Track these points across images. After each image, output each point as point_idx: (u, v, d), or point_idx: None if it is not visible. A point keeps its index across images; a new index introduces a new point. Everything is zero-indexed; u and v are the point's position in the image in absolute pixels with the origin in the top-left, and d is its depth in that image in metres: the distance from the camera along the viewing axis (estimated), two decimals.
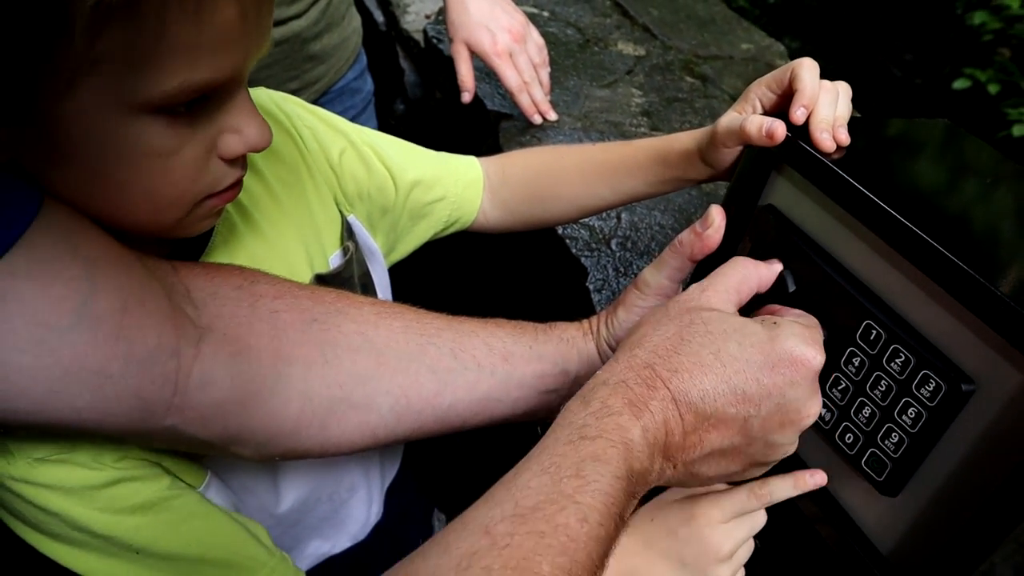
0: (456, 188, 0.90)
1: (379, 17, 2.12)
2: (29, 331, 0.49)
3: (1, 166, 0.52)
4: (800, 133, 0.67)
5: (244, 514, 0.74)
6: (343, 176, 0.82)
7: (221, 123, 0.57)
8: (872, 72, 5.89)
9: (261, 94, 0.80)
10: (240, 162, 0.61)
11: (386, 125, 1.87)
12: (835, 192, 0.63)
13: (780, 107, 0.75)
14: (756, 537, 0.70)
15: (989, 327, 0.52)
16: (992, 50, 4.28)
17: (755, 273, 0.65)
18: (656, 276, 0.72)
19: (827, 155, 0.65)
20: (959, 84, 4.19)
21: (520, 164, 0.93)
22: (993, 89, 4.07)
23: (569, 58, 1.52)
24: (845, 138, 0.67)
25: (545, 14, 1.66)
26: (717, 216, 0.69)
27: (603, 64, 1.50)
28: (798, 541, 0.78)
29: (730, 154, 0.76)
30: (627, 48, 1.55)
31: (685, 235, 0.70)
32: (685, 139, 0.82)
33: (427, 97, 1.86)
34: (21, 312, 0.49)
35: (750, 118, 0.70)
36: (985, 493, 0.55)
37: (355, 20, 1.54)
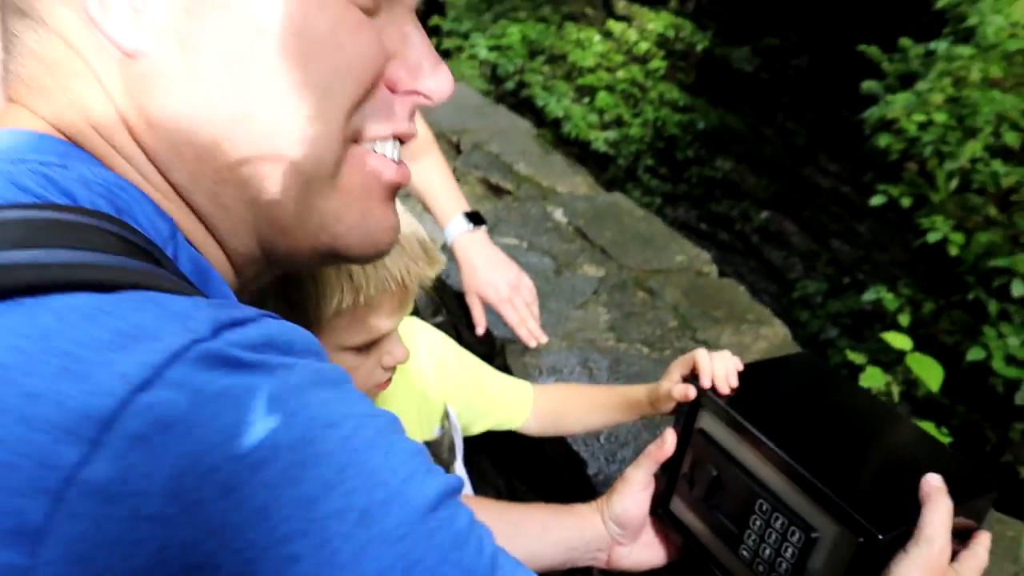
0: (517, 404, 1.43)
1: None
2: None
3: None
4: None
5: None
6: (452, 390, 1.35)
7: (382, 349, 1.06)
8: (802, 185, 6.50)
9: (416, 325, 1.36)
10: (392, 369, 1.09)
11: None
12: (732, 423, 1.08)
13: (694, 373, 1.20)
14: None
15: (820, 504, 0.97)
16: (900, 167, 4.60)
17: None
18: (636, 473, 1.17)
19: (725, 397, 1.11)
20: (875, 201, 4.49)
21: (551, 395, 1.46)
22: (906, 203, 4.39)
23: (548, 284, 2.00)
24: (735, 382, 1.13)
25: (524, 245, 2.16)
26: (670, 437, 1.15)
27: (575, 287, 1.99)
28: None
29: (670, 406, 1.22)
30: (591, 270, 2.05)
31: (652, 448, 1.15)
32: (641, 393, 1.29)
33: (441, 326, 2.32)
34: None
35: (675, 387, 1.16)
36: None
37: None
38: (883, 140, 4.48)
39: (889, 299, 4.06)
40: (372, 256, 0.60)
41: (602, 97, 7.52)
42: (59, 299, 0.39)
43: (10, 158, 0.47)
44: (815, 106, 6.83)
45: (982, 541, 0.96)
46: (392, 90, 0.57)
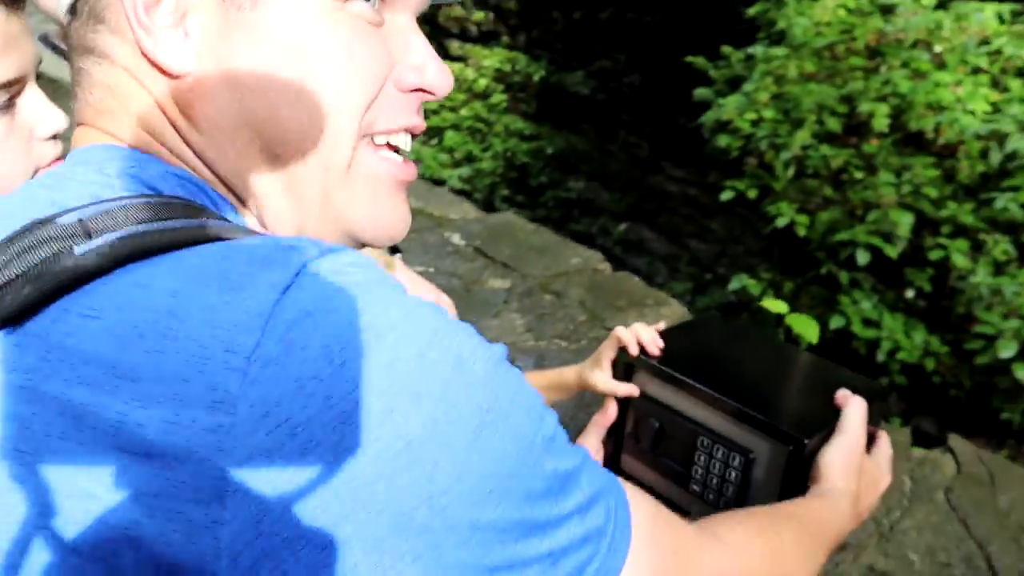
0: None
1: None
2: None
3: None
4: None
5: None
6: None
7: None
8: (653, 193, 6.83)
9: None
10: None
11: None
12: (666, 377, 1.25)
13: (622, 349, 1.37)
14: None
15: (753, 427, 1.15)
16: (741, 163, 4.84)
17: None
18: (586, 441, 1.32)
19: (655, 358, 1.28)
20: (725, 196, 4.67)
21: None
22: (752, 195, 4.62)
23: (461, 301, 2.14)
24: (660, 343, 1.31)
25: (431, 269, 2.30)
26: (612, 404, 1.30)
27: (486, 300, 2.14)
28: None
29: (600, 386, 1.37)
30: (497, 283, 2.20)
31: (597, 417, 1.31)
32: (570, 374, 1.43)
33: None
34: None
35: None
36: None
37: None
38: (722, 140, 4.73)
39: (752, 285, 4.37)
40: (385, 241, 0.70)
41: (450, 136, 7.72)
42: (196, 249, 0.52)
43: (100, 168, 0.60)
44: (653, 119, 7.21)
45: (885, 438, 1.17)
46: (400, 89, 0.65)
